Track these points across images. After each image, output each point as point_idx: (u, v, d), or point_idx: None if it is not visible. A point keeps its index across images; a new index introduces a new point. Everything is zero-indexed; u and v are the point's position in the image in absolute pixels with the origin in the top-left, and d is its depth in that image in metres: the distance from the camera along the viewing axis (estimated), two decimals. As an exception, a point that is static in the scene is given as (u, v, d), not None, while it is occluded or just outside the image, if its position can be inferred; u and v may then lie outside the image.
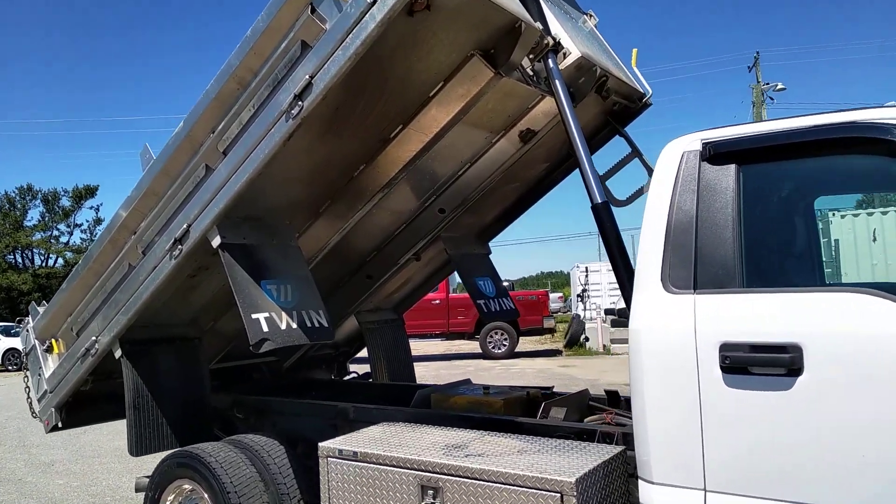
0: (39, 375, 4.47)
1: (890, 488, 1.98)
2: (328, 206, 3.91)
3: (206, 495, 3.59)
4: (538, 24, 3.29)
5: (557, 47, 3.57)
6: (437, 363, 16.18)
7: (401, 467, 2.75)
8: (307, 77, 2.86)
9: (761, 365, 2.16)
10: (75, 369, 4.16)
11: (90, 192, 41.51)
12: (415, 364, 5.72)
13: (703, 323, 2.30)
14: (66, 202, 41.48)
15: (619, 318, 18.14)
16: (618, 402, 3.69)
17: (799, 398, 2.10)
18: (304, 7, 2.88)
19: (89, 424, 4.77)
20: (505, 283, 5.15)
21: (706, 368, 2.25)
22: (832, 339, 2.09)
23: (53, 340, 4.40)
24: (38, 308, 4.56)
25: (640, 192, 4.40)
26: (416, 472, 2.70)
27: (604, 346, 17.76)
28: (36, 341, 4.49)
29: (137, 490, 4.18)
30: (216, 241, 3.28)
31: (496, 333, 17.24)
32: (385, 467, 2.80)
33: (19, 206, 40.84)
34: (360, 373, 5.83)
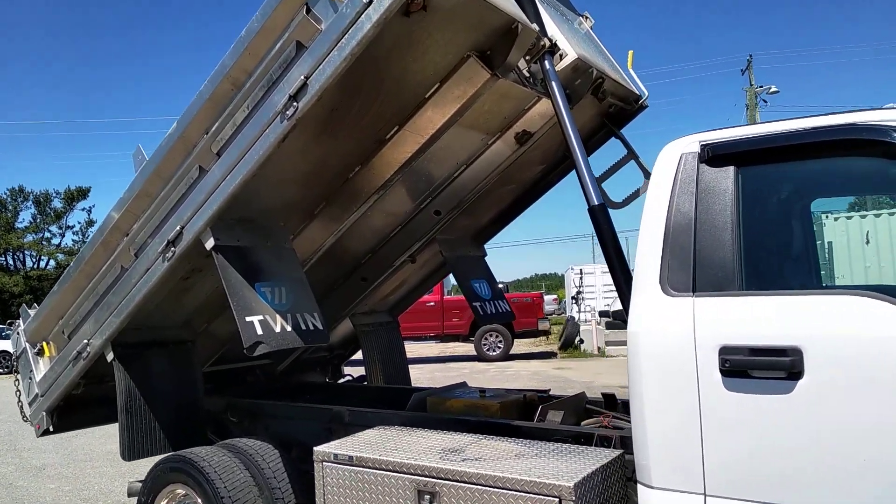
0: (30, 379, 4.42)
1: (891, 491, 1.97)
2: (323, 208, 3.89)
3: (199, 500, 3.55)
4: (535, 26, 3.27)
5: (554, 49, 3.56)
6: (431, 365, 16.15)
7: (397, 472, 2.73)
8: (302, 77, 2.84)
9: (761, 368, 2.15)
10: (67, 372, 4.12)
11: (82, 193, 41.39)
12: (409, 366, 5.69)
13: (702, 326, 2.28)
14: (57, 204, 41.40)
15: (614, 319, 18.09)
16: (614, 404, 3.67)
17: (799, 402, 2.08)
18: (299, 7, 2.86)
19: (81, 428, 4.72)
20: (499, 286, 5.13)
21: (706, 372, 2.24)
22: (833, 342, 2.07)
23: (44, 343, 4.35)
24: (29, 310, 4.51)
25: (637, 195, 4.39)
26: (413, 477, 2.68)
27: (598, 348, 17.76)
28: (27, 344, 4.44)
29: (130, 495, 4.14)
30: (210, 243, 3.25)
31: (491, 336, 17.22)
32: (381, 472, 2.77)
33: (10, 207, 40.68)
34: (355, 376, 5.80)
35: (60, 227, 41.78)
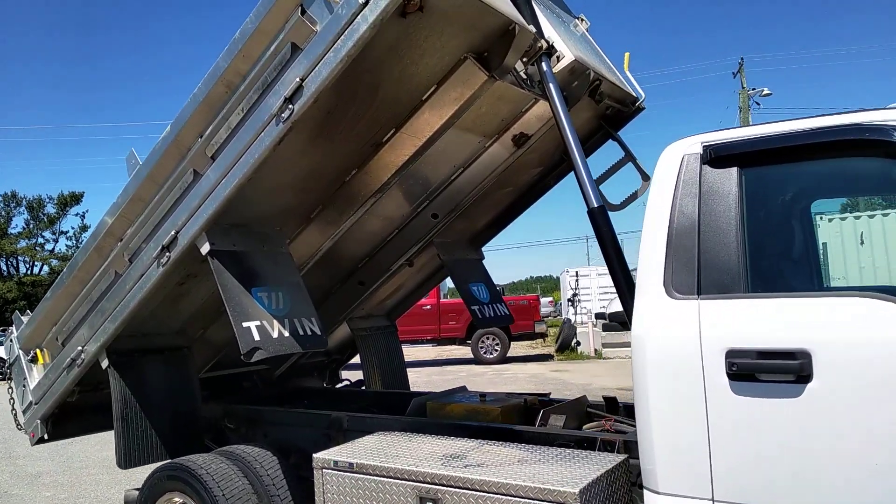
0: (24, 386, 4.37)
1: None
2: (320, 212, 3.86)
3: (196, 509, 3.50)
4: (532, 27, 3.25)
5: (551, 50, 3.54)
6: (428, 369, 16.11)
7: (398, 478, 2.69)
8: (298, 80, 2.80)
9: (769, 372, 2.12)
10: (61, 380, 4.07)
11: (75, 198, 41.20)
12: (407, 370, 5.66)
13: (708, 329, 2.25)
14: (51, 209, 41.22)
15: (610, 321, 18.14)
16: (616, 408, 3.64)
17: (808, 406, 2.05)
18: (293, 8, 2.82)
19: (76, 436, 4.67)
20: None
21: (712, 375, 2.21)
22: (842, 344, 2.04)
23: (38, 350, 4.30)
24: (23, 317, 4.46)
25: (635, 197, 4.38)
26: (414, 484, 2.64)
27: (595, 350, 17.75)
28: (20, 351, 4.39)
29: (127, 503, 4.09)
30: (205, 248, 3.21)
31: (488, 338, 17.19)
32: (382, 479, 2.74)
33: (3, 213, 40.49)
34: (353, 380, 5.77)
35: (54, 233, 41.62)
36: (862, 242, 13.46)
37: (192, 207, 3.23)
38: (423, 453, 2.86)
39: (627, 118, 4.61)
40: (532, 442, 2.98)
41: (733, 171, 2.40)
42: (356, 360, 5.53)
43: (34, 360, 4.31)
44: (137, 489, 3.85)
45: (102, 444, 7.64)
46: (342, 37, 2.68)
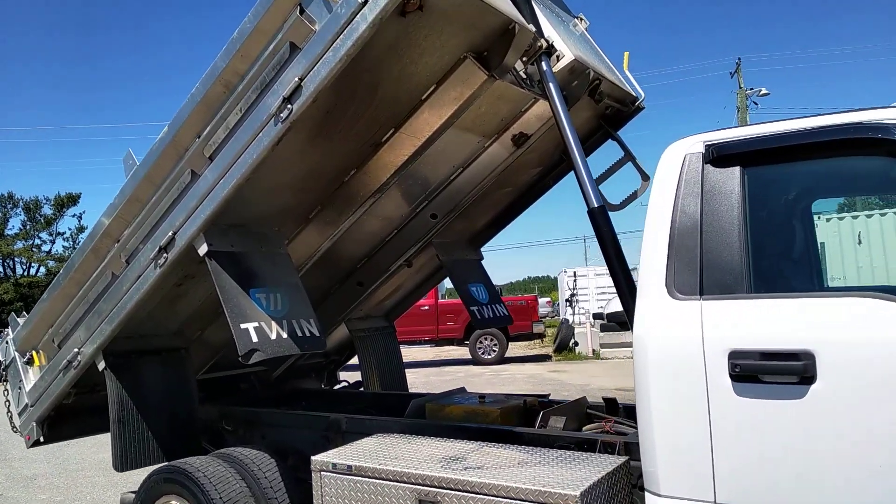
0: (20, 388, 4.34)
1: None
2: (318, 213, 3.84)
3: (194, 511, 3.48)
4: (532, 27, 3.23)
5: (551, 50, 3.52)
6: (426, 369, 16.09)
7: (397, 481, 2.67)
8: (296, 79, 2.78)
9: (772, 373, 2.10)
10: (57, 382, 4.04)
11: (72, 199, 41.08)
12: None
13: (710, 330, 2.23)
14: (47, 210, 41.07)
15: (608, 322, 18.14)
16: (616, 409, 3.62)
17: (812, 407, 2.04)
18: (292, 8, 2.80)
19: (72, 439, 4.64)
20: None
21: (715, 376, 2.19)
22: (846, 345, 2.03)
23: (34, 352, 4.27)
24: (18, 319, 4.43)
25: (634, 196, 4.36)
26: (414, 487, 2.62)
27: (593, 350, 17.74)
28: (16, 353, 4.36)
29: (122, 506, 4.07)
30: (203, 249, 3.19)
31: (486, 339, 17.18)
32: (381, 481, 2.71)
33: (0, 214, 40.32)
34: (351, 381, 5.74)
35: (51, 234, 41.50)
36: (860, 242, 13.47)
37: (189, 208, 3.21)
38: (423, 455, 2.83)
39: (627, 118, 4.59)
40: (532, 444, 2.96)
41: (736, 171, 2.38)
42: (354, 360, 5.51)
43: (30, 362, 4.28)
44: (134, 492, 3.82)
45: (99, 446, 7.59)
46: (341, 36, 2.66)
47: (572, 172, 3.22)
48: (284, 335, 3.20)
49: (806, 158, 2.37)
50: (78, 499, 6.43)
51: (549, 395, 4.15)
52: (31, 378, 4.28)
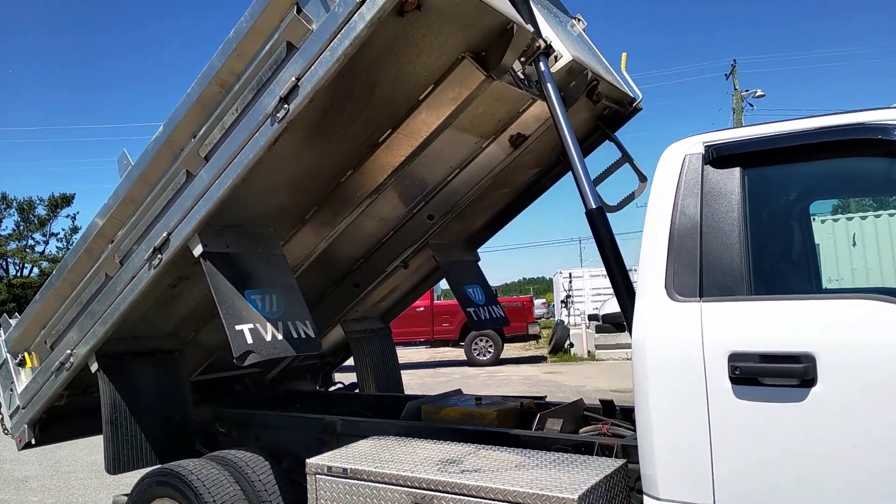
0: (11, 390, 4.30)
1: None
2: (314, 213, 3.81)
3: (187, 514, 3.44)
4: (530, 27, 3.22)
5: (549, 50, 3.51)
6: (421, 371, 16.06)
7: (393, 484, 2.65)
8: (293, 79, 2.76)
9: (772, 375, 2.09)
10: (49, 384, 4.00)
11: (66, 200, 40.87)
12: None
13: (710, 332, 2.22)
14: (41, 211, 40.85)
15: (603, 323, 18.13)
16: (613, 411, 3.61)
17: (812, 410, 2.02)
18: (289, 7, 2.77)
19: (64, 441, 4.60)
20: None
21: (714, 379, 2.17)
22: (848, 347, 2.02)
23: (26, 354, 4.23)
24: (10, 320, 4.39)
25: (632, 198, 4.35)
26: (410, 490, 2.60)
27: (588, 351, 17.75)
28: (8, 355, 4.32)
29: (115, 509, 4.03)
30: (198, 250, 3.16)
31: (481, 340, 17.16)
32: (377, 484, 2.69)
33: (-7, 215, 40.10)
34: (346, 383, 5.71)
35: (44, 235, 41.27)
36: (854, 244, 13.51)
37: (184, 208, 3.18)
38: (419, 458, 2.81)
39: (624, 119, 4.58)
40: (529, 446, 2.95)
41: (736, 172, 2.37)
42: (350, 362, 5.48)
43: (22, 363, 4.24)
44: (126, 495, 3.79)
45: (91, 448, 7.52)
46: (339, 35, 2.64)
47: (570, 173, 3.21)
48: (280, 337, 3.17)
49: (806, 159, 2.37)
50: (70, 501, 6.38)
51: (545, 396, 4.14)
52: (22, 380, 4.24)
